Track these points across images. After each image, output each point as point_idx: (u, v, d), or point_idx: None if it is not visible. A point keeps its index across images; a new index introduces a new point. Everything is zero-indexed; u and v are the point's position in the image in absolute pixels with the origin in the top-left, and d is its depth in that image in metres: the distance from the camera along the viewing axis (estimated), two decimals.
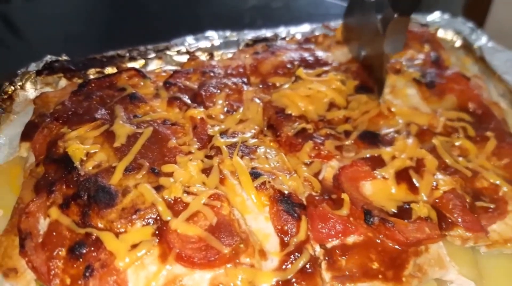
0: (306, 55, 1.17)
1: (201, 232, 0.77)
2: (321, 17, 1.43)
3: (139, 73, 1.13)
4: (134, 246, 0.77)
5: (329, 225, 0.81)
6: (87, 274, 0.74)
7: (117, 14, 1.65)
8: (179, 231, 0.77)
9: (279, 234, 0.81)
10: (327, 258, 0.80)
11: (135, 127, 0.96)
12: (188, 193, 0.83)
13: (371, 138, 0.94)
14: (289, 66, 1.14)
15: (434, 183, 0.87)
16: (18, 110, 1.19)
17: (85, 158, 0.90)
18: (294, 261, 0.77)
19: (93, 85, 1.11)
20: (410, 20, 1.08)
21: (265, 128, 1.01)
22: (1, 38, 1.56)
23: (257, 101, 1.06)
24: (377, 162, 0.90)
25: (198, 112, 1.00)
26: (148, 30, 1.53)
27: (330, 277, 0.78)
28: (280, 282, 0.75)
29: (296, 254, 0.78)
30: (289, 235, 0.80)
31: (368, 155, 0.91)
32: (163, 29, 1.49)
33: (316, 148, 0.92)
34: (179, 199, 0.82)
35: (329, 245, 0.81)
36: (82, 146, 0.92)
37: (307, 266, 0.77)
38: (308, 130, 0.96)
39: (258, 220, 0.83)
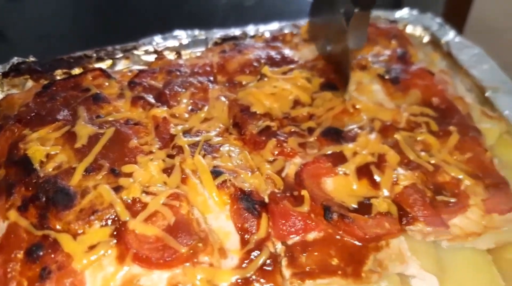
0: (273, 53, 1.16)
1: (158, 232, 0.77)
2: (293, 14, 1.43)
3: (104, 73, 1.12)
4: (92, 248, 0.76)
5: (290, 222, 0.81)
6: (43, 275, 0.74)
7: (84, 14, 1.64)
8: (137, 232, 0.77)
9: (240, 232, 0.81)
10: (288, 255, 0.80)
11: (97, 127, 0.96)
12: (147, 193, 0.82)
13: (334, 134, 0.94)
14: (255, 64, 1.13)
15: (395, 178, 0.87)
16: None
17: (45, 160, 0.89)
18: (254, 259, 0.77)
19: (57, 86, 1.10)
20: (370, 14, 1.07)
21: (231, 127, 1.00)
22: None
23: (223, 99, 1.05)
24: (339, 159, 0.90)
25: (161, 111, 0.99)
26: (116, 30, 1.51)
27: (290, 274, 0.78)
28: (240, 281, 0.75)
29: (256, 251, 0.78)
30: (250, 233, 0.80)
31: (330, 152, 0.91)
32: (131, 29, 1.47)
33: (279, 145, 0.92)
34: (137, 200, 0.81)
35: (290, 242, 0.81)
36: (43, 147, 0.91)
37: (267, 263, 0.77)
38: (272, 128, 0.96)
39: (219, 219, 0.83)
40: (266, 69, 1.07)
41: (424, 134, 0.95)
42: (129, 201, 0.81)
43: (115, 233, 0.78)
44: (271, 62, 1.14)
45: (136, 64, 1.26)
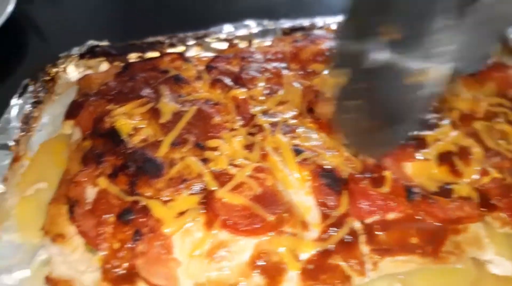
0: None
1: (245, 201, 0.80)
2: None
3: (181, 56, 1.17)
4: (181, 214, 0.80)
5: (370, 202, 0.82)
6: (136, 237, 0.77)
7: (155, 1, 1.70)
8: (225, 200, 0.80)
9: (320, 207, 0.83)
10: (366, 232, 0.81)
11: (180, 105, 1.00)
12: (233, 165, 0.86)
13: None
14: (328, 54, 1.16)
15: (479, 170, 0.88)
16: (60, 91, 1.24)
17: (132, 133, 0.94)
18: (334, 233, 0.80)
19: (136, 67, 1.14)
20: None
21: (305, 112, 1.03)
22: (45, 22, 1.62)
23: (297, 85, 1.08)
24: (421, 144, 0.91)
25: (240, 92, 1.03)
26: (185, 18, 1.57)
27: (369, 250, 0.80)
28: (321, 252, 0.78)
29: (337, 226, 0.80)
30: (330, 208, 0.82)
31: None
32: (199, 18, 1.52)
33: None
34: (224, 171, 0.85)
35: (368, 221, 0.83)
36: (130, 121, 0.95)
37: (347, 237, 0.79)
38: None
39: (298, 194, 0.85)
40: None
41: (502, 123, 0.96)
42: (217, 171, 0.84)
43: (203, 201, 0.81)
44: None
45: (207, 51, 1.30)
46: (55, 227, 0.83)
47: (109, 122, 0.96)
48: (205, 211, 0.80)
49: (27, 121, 1.09)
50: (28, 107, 1.12)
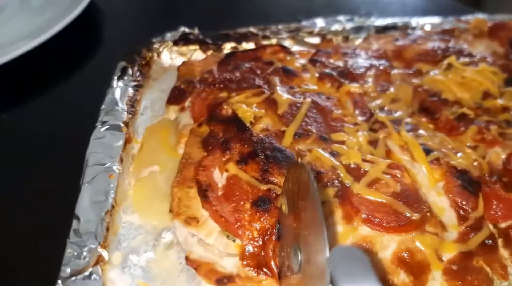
0: (449, 45, 1.18)
1: (385, 197, 0.78)
2: (434, 13, 1.44)
3: (284, 49, 1.16)
4: None
5: (505, 205, 0.82)
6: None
7: None
8: (362, 195, 0.79)
9: (456, 208, 0.82)
10: (502, 236, 0.81)
11: (294, 97, 0.99)
12: (364, 160, 0.85)
13: None
14: (433, 54, 1.15)
15: None
16: (155, 76, 1.24)
17: (253, 121, 0.93)
18: (474, 235, 0.78)
19: (239, 57, 1.14)
20: None
21: (417, 111, 1.02)
22: (137, 7, 1.62)
23: (406, 84, 1.08)
24: None
25: (356, 87, 1.03)
26: (269, 13, 1.57)
27: (509, 254, 0.79)
28: (463, 253, 0.77)
29: (476, 228, 0.79)
30: (466, 210, 0.81)
31: None
32: (277, 15, 1.52)
33: (480, 132, 0.93)
34: (357, 165, 0.84)
35: (503, 225, 0.82)
36: (250, 109, 0.95)
37: (488, 240, 0.78)
38: (469, 116, 0.97)
39: (430, 195, 0.84)
40: (453, 59, 1.09)
41: None
42: (353, 165, 0.83)
43: (339, 194, 0.80)
44: (449, 53, 1.15)
45: (301, 45, 1.30)
46: (186, 210, 0.83)
47: (228, 109, 0.96)
48: (341, 204, 0.79)
49: (132, 104, 1.09)
50: (130, 90, 1.12)
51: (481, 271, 0.75)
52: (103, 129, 0.99)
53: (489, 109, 1.00)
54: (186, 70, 1.16)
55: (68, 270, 0.73)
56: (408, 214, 0.76)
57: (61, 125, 1.14)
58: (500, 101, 1.01)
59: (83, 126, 1.01)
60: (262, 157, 0.85)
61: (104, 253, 0.78)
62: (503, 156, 0.90)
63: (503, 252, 0.79)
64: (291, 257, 0.64)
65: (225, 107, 0.97)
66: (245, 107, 0.95)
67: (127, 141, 0.99)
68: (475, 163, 0.88)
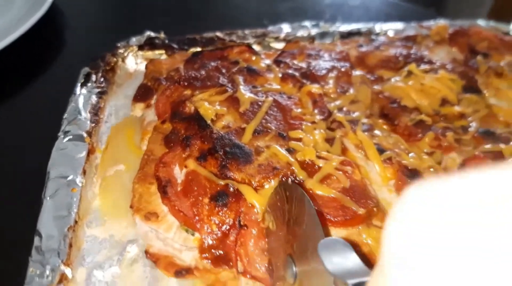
0: (411, 52, 1.21)
1: (335, 193, 0.82)
2: (402, 18, 1.48)
3: (250, 49, 1.19)
4: None
5: None
6: (242, 223, 0.78)
7: None
8: (314, 191, 0.82)
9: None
10: None
11: (256, 95, 1.02)
12: (319, 157, 0.88)
13: (489, 134, 0.99)
14: (395, 61, 1.18)
15: None
16: (120, 82, 1.22)
17: (214, 119, 0.96)
18: None
19: (205, 56, 1.17)
20: None
21: (377, 117, 1.05)
22: (101, 9, 1.59)
23: (366, 86, 1.11)
24: (498, 157, 0.94)
25: (316, 88, 1.06)
26: (235, 17, 1.57)
27: None
28: None
29: None
30: None
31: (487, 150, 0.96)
32: (243, 20, 1.52)
33: (437, 139, 0.97)
34: (312, 162, 0.87)
35: None
36: (212, 107, 0.97)
37: None
38: (426, 122, 1.00)
39: (382, 191, 0.89)
40: (413, 67, 1.12)
41: None
42: (308, 161, 0.86)
43: None
44: (410, 60, 1.18)
45: (266, 50, 1.31)
46: (146, 205, 0.84)
47: (190, 107, 0.98)
48: None
49: (96, 112, 1.07)
50: (94, 98, 1.10)
51: None
52: (65, 139, 0.97)
53: (447, 115, 1.03)
54: (154, 67, 1.18)
55: None
56: (354, 209, 0.79)
57: (21, 136, 1.11)
58: (457, 108, 1.04)
59: (45, 136, 0.99)
60: (221, 153, 0.87)
61: (68, 271, 0.77)
62: (459, 161, 0.94)
63: None
64: (284, 269, 0.67)
65: (188, 105, 0.99)
66: (207, 105, 0.97)
67: (90, 152, 0.97)
68: (431, 169, 0.91)
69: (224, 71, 1.10)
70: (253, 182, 0.83)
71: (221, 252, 0.78)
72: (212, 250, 0.79)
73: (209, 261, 0.78)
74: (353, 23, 1.39)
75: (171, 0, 1.69)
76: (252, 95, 1.01)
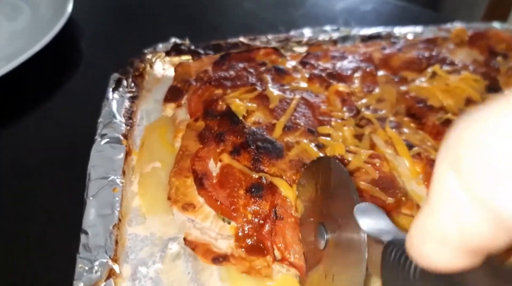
0: (433, 53, 1.24)
1: (364, 184, 0.84)
2: (409, 21, 1.51)
3: (276, 51, 1.23)
4: None
5: None
6: (278, 214, 0.81)
7: (231, 2, 1.73)
8: None
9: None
10: None
11: (285, 93, 1.06)
12: (348, 152, 0.91)
13: None
14: (418, 62, 1.21)
15: None
16: (149, 87, 1.25)
17: (246, 115, 0.99)
18: None
19: (233, 57, 1.20)
20: None
21: (403, 114, 1.08)
22: (128, 15, 1.63)
23: (391, 86, 1.14)
24: None
25: (343, 87, 1.09)
26: (251, 25, 1.61)
27: None
28: None
29: None
30: None
31: None
32: (259, 27, 1.56)
33: None
34: (340, 157, 0.89)
35: None
36: (243, 103, 1.01)
37: None
38: (454, 121, 1.02)
39: (411, 184, 0.91)
40: (437, 68, 1.15)
41: None
42: (337, 156, 0.89)
43: None
44: (433, 62, 1.21)
45: (289, 54, 1.34)
46: (183, 197, 0.88)
47: (223, 105, 1.02)
48: None
49: (130, 116, 1.10)
50: (126, 102, 1.13)
51: None
52: (103, 142, 1.00)
53: None
54: (183, 70, 1.22)
55: (81, 285, 0.75)
56: (383, 198, 0.82)
57: (58, 140, 1.15)
58: None
59: (81, 140, 1.02)
60: (253, 147, 0.90)
61: (116, 267, 0.79)
62: None
63: None
64: (315, 238, 0.71)
65: (220, 103, 1.02)
66: (239, 101, 1.01)
67: (128, 154, 1.01)
68: None
69: (252, 71, 1.14)
70: (284, 177, 0.86)
71: (255, 241, 0.82)
72: (247, 239, 0.82)
73: (244, 249, 0.81)
74: (372, 27, 1.43)
75: (184, 11, 1.73)
76: (280, 93, 1.05)
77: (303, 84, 1.12)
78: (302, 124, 0.97)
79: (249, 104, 1.01)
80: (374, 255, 0.50)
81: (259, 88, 1.06)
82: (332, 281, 0.63)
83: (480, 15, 2.68)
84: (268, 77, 1.11)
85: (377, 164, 0.89)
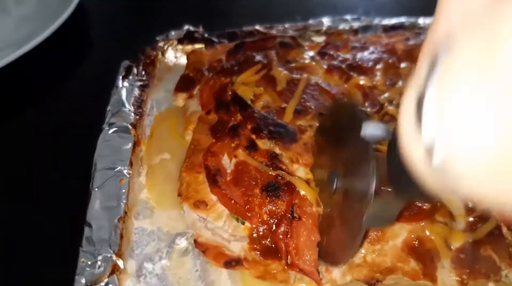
0: None
1: None
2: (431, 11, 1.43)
3: (293, 39, 1.16)
4: None
5: None
6: (294, 215, 0.76)
7: None
8: None
9: (463, 200, 0.80)
10: None
11: (291, 73, 1.01)
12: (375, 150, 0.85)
13: None
14: None
15: None
16: (160, 76, 1.20)
17: (253, 99, 0.94)
18: (482, 225, 0.78)
19: (249, 46, 1.14)
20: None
21: None
22: (138, 2, 1.59)
23: None
24: None
25: (365, 80, 1.03)
26: (266, 13, 1.55)
27: None
28: (471, 242, 0.76)
29: (483, 219, 0.79)
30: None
31: None
32: (273, 17, 1.50)
33: None
34: None
35: None
36: (249, 87, 0.96)
37: (495, 230, 0.78)
38: None
39: None
40: None
41: None
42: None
43: None
44: None
45: (308, 43, 1.28)
46: (195, 194, 0.83)
47: (229, 91, 0.97)
48: None
49: (139, 105, 1.06)
50: (136, 91, 1.09)
51: (489, 260, 0.76)
52: (110, 131, 0.96)
53: None
54: (195, 58, 1.16)
55: (83, 280, 0.71)
56: (419, 204, 0.76)
57: (65, 129, 1.11)
58: None
59: (89, 128, 0.98)
60: (266, 132, 0.86)
61: (120, 262, 0.75)
62: None
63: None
64: (327, 183, 0.72)
65: (229, 92, 0.97)
66: (244, 86, 0.96)
67: (136, 144, 0.96)
68: None
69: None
70: (301, 161, 0.82)
71: (270, 243, 0.76)
72: (262, 241, 0.77)
73: (258, 252, 0.76)
74: (395, 17, 1.35)
75: None
76: (287, 72, 1.00)
77: (308, 60, 1.08)
78: (313, 107, 0.92)
79: (256, 88, 0.96)
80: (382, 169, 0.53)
81: (264, 68, 1.01)
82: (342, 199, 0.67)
83: None
84: (273, 53, 1.06)
85: None
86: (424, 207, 0.76)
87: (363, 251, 0.75)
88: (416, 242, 0.75)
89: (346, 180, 0.66)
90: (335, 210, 0.70)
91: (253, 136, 0.87)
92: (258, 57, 1.06)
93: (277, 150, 0.84)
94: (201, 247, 0.78)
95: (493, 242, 0.77)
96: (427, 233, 0.76)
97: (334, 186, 0.68)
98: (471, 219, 0.79)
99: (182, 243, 0.83)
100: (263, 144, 0.85)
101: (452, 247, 0.76)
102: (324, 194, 0.74)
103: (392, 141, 0.49)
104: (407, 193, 0.49)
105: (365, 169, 0.56)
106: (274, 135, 0.85)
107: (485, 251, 0.77)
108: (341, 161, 0.68)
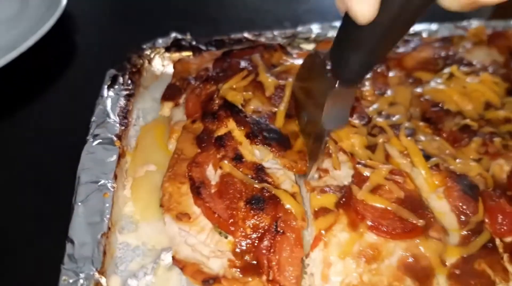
0: (450, 53, 1.16)
1: (390, 204, 0.76)
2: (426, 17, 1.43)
3: (281, 48, 1.14)
4: (317, 212, 0.78)
5: (511, 221, 0.80)
6: (278, 229, 0.75)
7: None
8: (367, 202, 0.77)
9: (456, 213, 0.80)
10: (508, 251, 0.79)
11: (277, 78, 1.00)
12: (365, 165, 0.83)
13: None
14: (433, 62, 1.13)
15: None
16: (146, 84, 1.18)
17: (243, 103, 0.93)
18: (475, 238, 0.77)
19: (236, 54, 1.11)
20: (355, 91, 0.84)
21: (418, 117, 1.00)
22: (124, 9, 1.56)
23: (405, 88, 1.06)
24: None
25: None
26: (255, 20, 1.54)
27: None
28: (465, 257, 0.75)
29: (477, 232, 0.78)
30: (467, 215, 0.79)
31: None
32: (263, 23, 1.49)
33: (484, 145, 0.92)
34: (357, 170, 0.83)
35: (508, 239, 0.80)
36: (238, 93, 0.95)
37: (489, 243, 0.77)
38: (472, 127, 0.95)
39: (430, 199, 0.83)
40: (455, 69, 1.07)
41: None
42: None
43: (343, 200, 0.79)
44: (449, 62, 1.13)
45: (297, 50, 1.26)
46: (177, 206, 0.81)
47: (218, 99, 0.96)
48: (344, 209, 0.78)
49: (125, 115, 1.03)
50: (122, 100, 1.06)
51: (483, 275, 0.74)
52: (94, 143, 0.93)
53: (491, 120, 0.98)
54: (182, 67, 1.14)
55: None
56: (413, 221, 0.74)
57: (48, 140, 1.08)
58: (502, 112, 0.99)
59: (73, 140, 0.95)
60: (260, 138, 0.85)
61: (102, 280, 0.73)
62: (507, 169, 0.89)
63: (509, 268, 0.78)
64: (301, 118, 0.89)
65: (216, 100, 0.95)
66: (233, 91, 0.95)
67: (121, 156, 0.94)
68: (477, 177, 0.86)
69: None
70: (295, 169, 0.83)
71: (252, 259, 0.75)
72: (244, 256, 0.75)
73: (238, 270, 0.74)
74: None
75: (186, 4, 1.65)
76: (274, 78, 0.99)
77: (292, 60, 1.08)
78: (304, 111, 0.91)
79: (245, 93, 0.95)
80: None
81: (251, 73, 1.00)
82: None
83: (489, 11, 2.58)
84: (257, 57, 1.05)
85: (400, 181, 0.81)
86: (419, 224, 0.74)
87: (360, 270, 0.73)
88: (411, 260, 0.73)
89: (310, 110, 0.84)
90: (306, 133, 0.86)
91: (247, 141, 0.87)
92: (243, 63, 1.04)
93: (266, 161, 0.84)
94: (179, 264, 0.75)
95: (487, 256, 0.76)
96: (422, 249, 0.73)
97: (305, 120, 0.86)
98: (464, 232, 0.78)
99: (168, 258, 0.81)
100: (251, 154, 0.84)
101: (447, 263, 0.75)
102: (302, 131, 0.89)
103: (336, 37, 0.73)
104: (348, 76, 0.73)
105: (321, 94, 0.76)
106: (269, 142, 0.85)
107: (479, 266, 0.75)
108: (311, 101, 0.84)
